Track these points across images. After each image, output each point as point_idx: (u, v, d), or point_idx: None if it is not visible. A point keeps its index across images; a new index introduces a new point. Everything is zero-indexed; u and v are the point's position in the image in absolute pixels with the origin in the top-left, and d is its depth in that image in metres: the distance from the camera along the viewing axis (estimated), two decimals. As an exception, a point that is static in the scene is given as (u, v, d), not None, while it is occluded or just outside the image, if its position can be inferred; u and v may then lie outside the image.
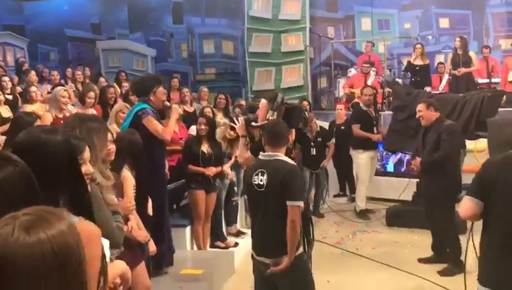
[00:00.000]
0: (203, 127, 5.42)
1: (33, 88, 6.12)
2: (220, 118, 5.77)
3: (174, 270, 4.52)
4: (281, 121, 3.95)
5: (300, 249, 3.21)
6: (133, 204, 3.34)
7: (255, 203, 3.32)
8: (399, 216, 6.66)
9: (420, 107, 5.25)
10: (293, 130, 3.51)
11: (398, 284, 4.79)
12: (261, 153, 3.42)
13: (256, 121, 4.10)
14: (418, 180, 5.88)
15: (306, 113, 4.85)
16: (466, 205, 2.57)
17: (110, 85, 7.23)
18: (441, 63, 10.52)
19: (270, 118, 4.09)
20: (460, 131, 5.51)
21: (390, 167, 8.19)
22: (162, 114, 6.36)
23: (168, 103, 4.73)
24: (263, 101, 4.34)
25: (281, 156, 3.25)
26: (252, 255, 3.34)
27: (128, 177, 3.45)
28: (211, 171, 5.38)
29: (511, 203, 2.42)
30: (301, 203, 3.13)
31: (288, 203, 3.09)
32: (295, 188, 3.13)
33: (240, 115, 5.85)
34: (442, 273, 4.91)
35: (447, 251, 5.13)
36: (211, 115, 6.33)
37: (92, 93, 5.94)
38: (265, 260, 3.23)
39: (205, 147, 5.41)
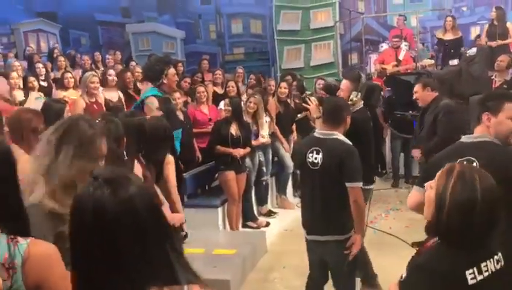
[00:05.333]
0: (226, 108, 5.47)
1: (68, 74, 6.12)
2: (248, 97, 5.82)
3: (207, 250, 4.58)
4: (340, 98, 3.78)
5: (353, 231, 3.19)
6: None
7: (308, 181, 3.25)
8: None
9: (416, 88, 5.09)
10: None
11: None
12: (316, 130, 3.34)
13: None
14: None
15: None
16: (411, 194, 2.45)
17: (127, 69, 7.24)
18: (478, 36, 10.10)
19: (354, 98, 3.95)
20: (459, 109, 5.16)
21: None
22: (192, 97, 6.40)
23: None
24: (345, 82, 4.17)
25: (338, 135, 3.16)
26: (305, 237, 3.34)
27: (171, 162, 3.58)
28: (239, 152, 5.40)
29: None
30: (360, 184, 3.09)
31: (348, 184, 3.05)
32: (354, 169, 3.06)
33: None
34: None
35: None
36: (235, 91, 6.34)
37: (111, 71, 6.09)
38: (319, 238, 3.22)
39: (234, 129, 5.42)
